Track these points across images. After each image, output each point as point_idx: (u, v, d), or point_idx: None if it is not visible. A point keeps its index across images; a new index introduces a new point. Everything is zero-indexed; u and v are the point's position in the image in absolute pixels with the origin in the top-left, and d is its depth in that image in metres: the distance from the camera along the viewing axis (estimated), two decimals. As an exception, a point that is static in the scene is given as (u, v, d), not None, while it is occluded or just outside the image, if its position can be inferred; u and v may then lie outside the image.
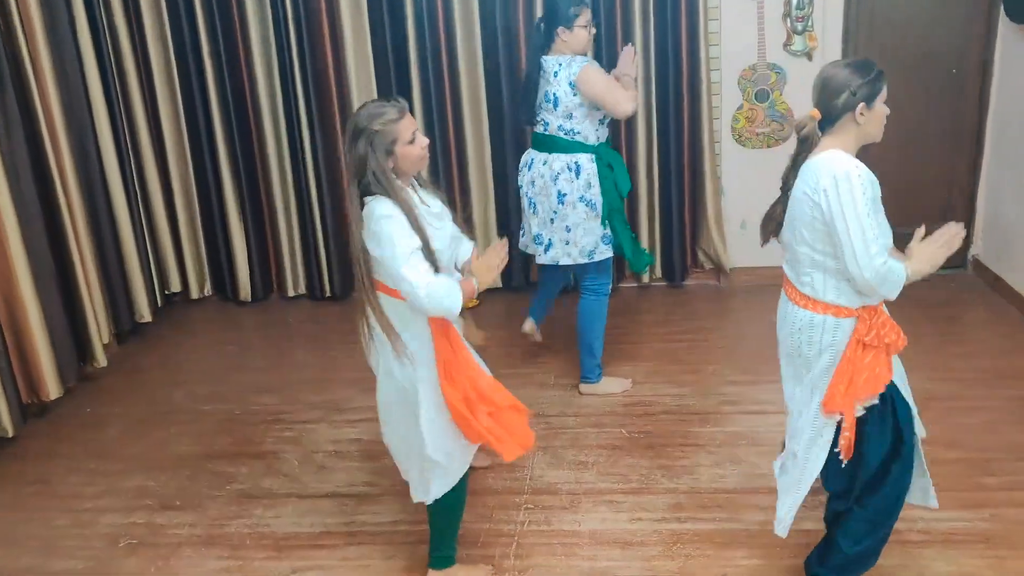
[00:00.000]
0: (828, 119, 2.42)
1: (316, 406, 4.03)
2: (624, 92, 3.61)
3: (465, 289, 2.55)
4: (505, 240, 2.76)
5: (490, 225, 5.14)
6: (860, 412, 2.44)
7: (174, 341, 4.90)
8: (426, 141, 2.59)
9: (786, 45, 4.75)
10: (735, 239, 5.09)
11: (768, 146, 4.92)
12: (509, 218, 5.06)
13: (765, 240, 2.70)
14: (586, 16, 3.63)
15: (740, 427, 3.60)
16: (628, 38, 4.67)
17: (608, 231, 3.77)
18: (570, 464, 3.43)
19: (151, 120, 5.05)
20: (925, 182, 4.95)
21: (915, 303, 4.66)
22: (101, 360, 4.42)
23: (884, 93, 2.39)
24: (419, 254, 2.46)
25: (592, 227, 3.73)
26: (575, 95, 3.60)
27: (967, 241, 5.04)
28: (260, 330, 5.09)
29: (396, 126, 2.49)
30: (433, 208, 2.63)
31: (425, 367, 2.61)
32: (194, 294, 5.37)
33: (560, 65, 3.63)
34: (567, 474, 3.36)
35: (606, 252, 3.80)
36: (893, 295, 2.34)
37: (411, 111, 4.73)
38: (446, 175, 5.02)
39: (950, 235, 2.37)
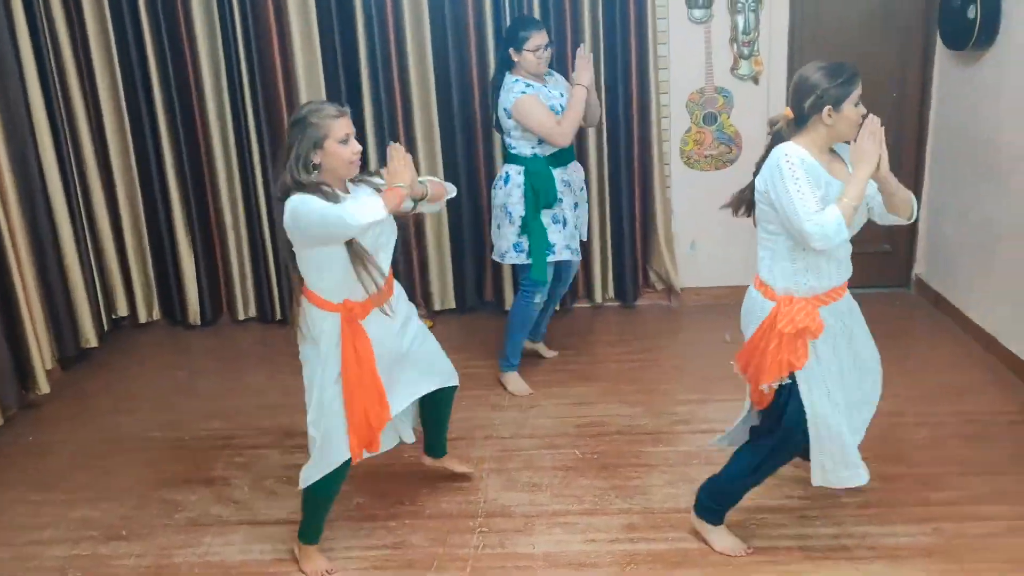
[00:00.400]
0: (799, 119, 2.59)
1: (267, 431, 3.98)
2: (557, 128, 3.83)
3: (390, 197, 2.64)
4: (397, 144, 2.81)
5: (443, 232, 5.13)
6: (767, 389, 2.70)
7: (121, 366, 4.81)
8: (358, 148, 2.70)
9: (733, 69, 4.85)
10: (685, 259, 5.16)
11: (716, 168, 5.00)
12: (461, 221, 5.06)
13: (734, 213, 2.89)
14: (535, 40, 3.79)
15: (692, 446, 3.64)
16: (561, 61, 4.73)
17: (523, 240, 3.99)
18: (524, 486, 3.43)
19: (96, 137, 4.94)
20: (868, 203, 5.07)
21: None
22: (44, 387, 4.30)
23: (854, 96, 2.53)
24: (339, 205, 2.59)
25: (506, 233, 4.02)
26: (509, 119, 3.88)
27: (910, 261, 5.17)
28: (210, 354, 5.01)
29: (331, 122, 2.64)
30: (359, 195, 2.73)
31: (332, 360, 2.79)
32: (142, 318, 5.28)
33: (504, 88, 3.86)
34: (521, 496, 3.36)
35: (516, 259, 4.03)
36: (845, 235, 2.48)
37: (362, 123, 4.79)
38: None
39: (869, 127, 2.53)
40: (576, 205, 4.14)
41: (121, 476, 3.67)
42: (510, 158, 3.99)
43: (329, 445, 2.83)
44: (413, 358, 3.03)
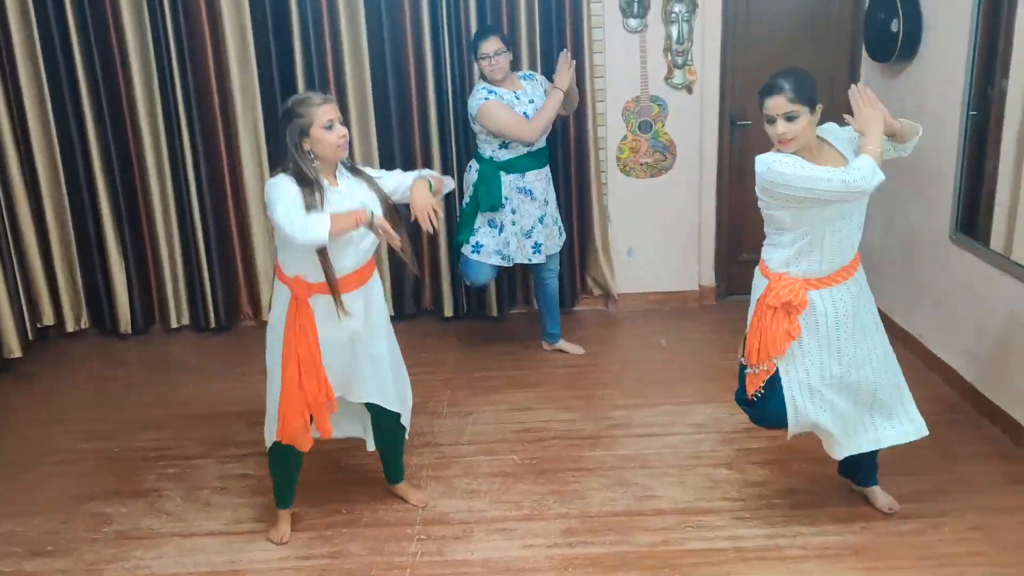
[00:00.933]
0: None
1: (202, 441, 3.90)
2: (526, 125, 4.03)
3: (343, 220, 2.70)
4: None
5: (382, 243, 5.08)
6: (761, 367, 2.83)
7: (48, 377, 4.67)
8: (344, 132, 2.81)
9: (667, 78, 4.93)
10: (622, 266, 5.22)
11: (652, 176, 5.07)
12: (398, 212, 5.00)
13: None
14: (485, 48, 4.01)
15: (629, 450, 3.68)
16: (515, 70, 4.76)
17: (471, 233, 4.24)
18: (463, 493, 3.43)
19: (19, 140, 4.79)
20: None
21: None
22: (-35, 399, 4.17)
23: (763, 115, 2.70)
24: (299, 211, 2.68)
25: (461, 224, 4.32)
26: (475, 123, 4.14)
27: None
28: (142, 364, 4.90)
29: (314, 109, 2.76)
30: (343, 190, 2.86)
31: (280, 339, 2.91)
32: (69, 327, 5.13)
33: (472, 94, 4.16)
34: (460, 503, 3.36)
35: (466, 251, 4.27)
36: (881, 176, 2.59)
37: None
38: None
39: (861, 98, 2.71)
40: (543, 218, 4.28)
41: (47, 490, 3.56)
42: (476, 155, 4.29)
43: (270, 423, 3.01)
44: (369, 367, 3.04)
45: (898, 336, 4.63)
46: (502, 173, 4.16)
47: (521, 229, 4.24)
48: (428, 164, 4.93)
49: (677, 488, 3.38)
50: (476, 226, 4.24)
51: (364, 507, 3.35)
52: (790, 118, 2.63)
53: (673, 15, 4.82)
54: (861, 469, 3.16)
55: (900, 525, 3.10)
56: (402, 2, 4.72)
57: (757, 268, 2.94)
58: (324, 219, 2.66)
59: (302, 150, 2.78)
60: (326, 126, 2.77)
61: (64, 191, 4.93)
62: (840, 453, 2.98)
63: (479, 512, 3.30)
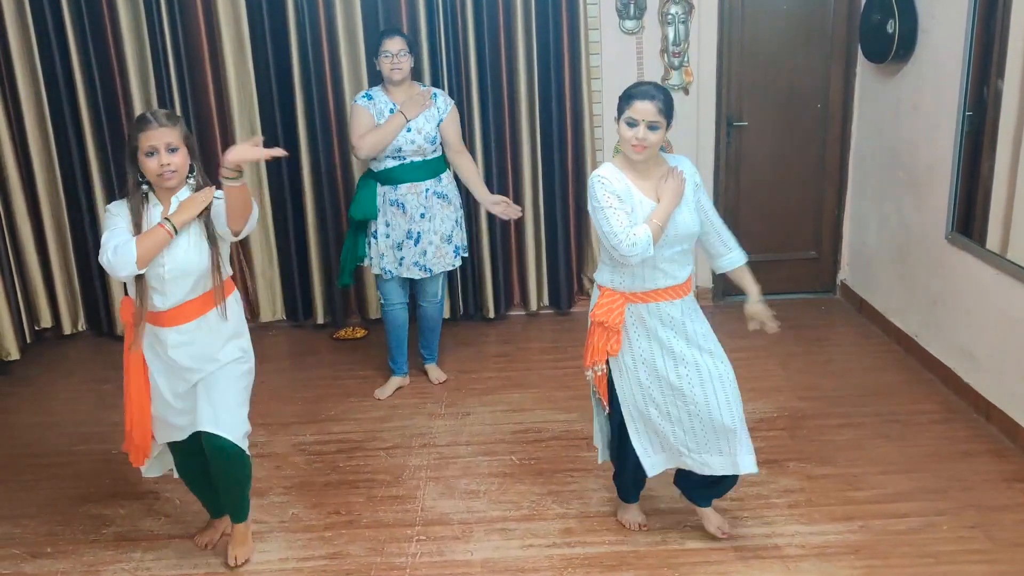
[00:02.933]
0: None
1: (199, 443, 3.90)
2: (356, 140, 3.92)
3: (149, 238, 2.61)
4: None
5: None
6: (591, 374, 2.92)
7: (45, 380, 4.66)
8: (169, 160, 2.63)
9: (664, 80, 4.94)
10: (619, 266, 5.22)
11: (649, 176, 5.08)
12: None
13: None
14: (389, 45, 3.91)
15: (627, 450, 3.68)
16: (512, 73, 4.78)
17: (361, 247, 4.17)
18: (461, 493, 3.43)
19: (17, 143, 4.80)
20: (795, 212, 5.22)
21: (787, 326, 4.90)
22: (-38, 401, 4.16)
23: (624, 115, 2.70)
24: (114, 240, 2.61)
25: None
26: None
27: (835, 267, 5.33)
28: (138, 365, 4.88)
29: (139, 135, 2.62)
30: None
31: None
32: (67, 329, 5.13)
33: None
34: (459, 504, 3.36)
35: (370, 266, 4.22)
36: (647, 254, 2.66)
37: (295, 132, 4.74)
38: (331, 191, 4.98)
39: (670, 177, 2.73)
40: (412, 233, 4.06)
41: (45, 491, 3.56)
42: None
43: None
44: (199, 396, 2.84)
45: (893, 335, 4.66)
46: (377, 184, 4.04)
47: (393, 242, 4.08)
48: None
49: (675, 487, 3.38)
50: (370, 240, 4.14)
51: (363, 508, 3.35)
52: (653, 127, 2.66)
53: (669, 16, 4.83)
54: (692, 487, 3.05)
55: (898, 524, 3.12)
56: (399, 9, 4.73)
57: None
58: (131, 247, 2.59)
59: (135, 174, 2.68)
60: (147, 152, 2.61)
61: (61, 194, 4.93)
62: (651, 469, 2.96)
63: (478, 512, 3.30)
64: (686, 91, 4.96)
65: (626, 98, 2.69)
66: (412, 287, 4.27)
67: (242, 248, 5.10)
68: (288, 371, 4.71)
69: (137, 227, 2.66)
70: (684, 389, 2.81)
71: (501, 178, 4.96)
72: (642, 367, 2.85)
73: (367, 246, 4.15)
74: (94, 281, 5.07)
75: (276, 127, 4.87)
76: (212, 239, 2.73)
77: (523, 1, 4.71)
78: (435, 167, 4.06)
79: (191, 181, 2.75)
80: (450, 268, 4.23)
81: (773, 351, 4.49)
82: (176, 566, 3.06)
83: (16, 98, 4.73)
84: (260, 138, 2.73)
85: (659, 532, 3.13)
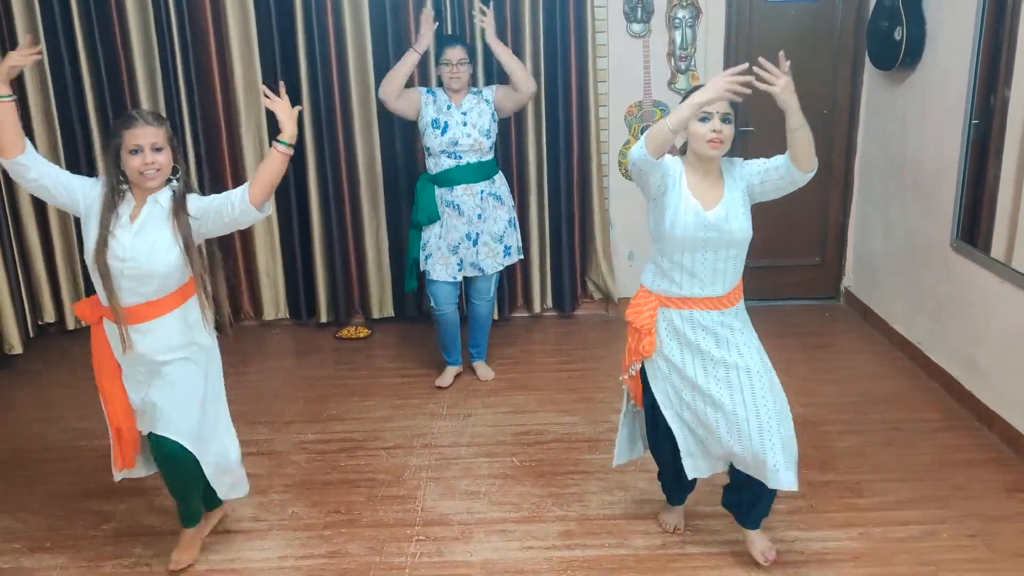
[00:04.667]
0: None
1: (200, 440, 3.90)
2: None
3: None
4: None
5: (382, 240, 5.12)
6: (628, 373, 2.91)
7: (48, 375, 4.67)
8: (153, 159, 2.63)
9: (670, 83, 4.94)
10: (623, 270, 5.23)
11: (654, 180, 5.07)
12: (400, 230, 5.05)
13: None
14: (449, 55, 4.03)
15: (628, 454, 3.68)
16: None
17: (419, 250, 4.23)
18: (462, 494, 3.43)
19: (23, 124, 4.81)
20: (801, 218, 5.21)
21: (792, 333, 4.90)
22: (-35, 395, 4.17)
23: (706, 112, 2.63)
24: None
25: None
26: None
27: (839, 273, 5.32)
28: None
29: (124, 132, 2.63)
30: (135, 226, 2.67)
31: None
32: (70, 324, 5.14)
33: None
34: (459, 504, 3.36)
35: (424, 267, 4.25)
36: (641, 152, 2.58)
37: (301, 131, 4.75)
38: (336, 191, 4.98)
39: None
40: (471, 235, 4.15)
41: (46, 486, 3.56)
42: None
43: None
44: (152, 396, 2.82)
45: (897, 343, 4.65)
46: (434, 186, 4.11)
47: (448, 244, 4.15)
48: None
49: (724, 508, 3.35)
50: (423, 242, 4.19)
51: (363, 508, 3.35)
52: (726, 119, 2.61)
53: (677, 21, 4.84)
54: (741, 506, 2.96)
55: (898, 531, 3.11)
56: (407, 8, 4.73)
57: None
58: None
59: (115, 171, 2.67)
60: (132, 150, 2.62)
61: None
62: (691, 471, 2.93)
63: (478, 514, 3.30)
64: (692, 95, 4.95)
65: (695, 93, 2.56)
66: (464, 286, 4.33)
67: (246, 245, 5.11)
68: (291, 369, 4.72)
69: (102, 222, 2.64)
70: (713, 395, 2.76)
71: (506, 178, 4.94)
72: (674, 372, 2.81)
73: (420, 249, 4.20)
74: (98, 277, 5.08)
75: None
76: (186, 242, 2.70)
77: (531, 3, 4.71)
78: (489, 169, 4.16)
79: (174, 183, 2.73)
80: (500, 268, 4.30)
81: (776, 357, 4.39)
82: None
83: (23, 92, 4.73)
84: (298, 108, 2.80)
85: (659, 536, 3.13)
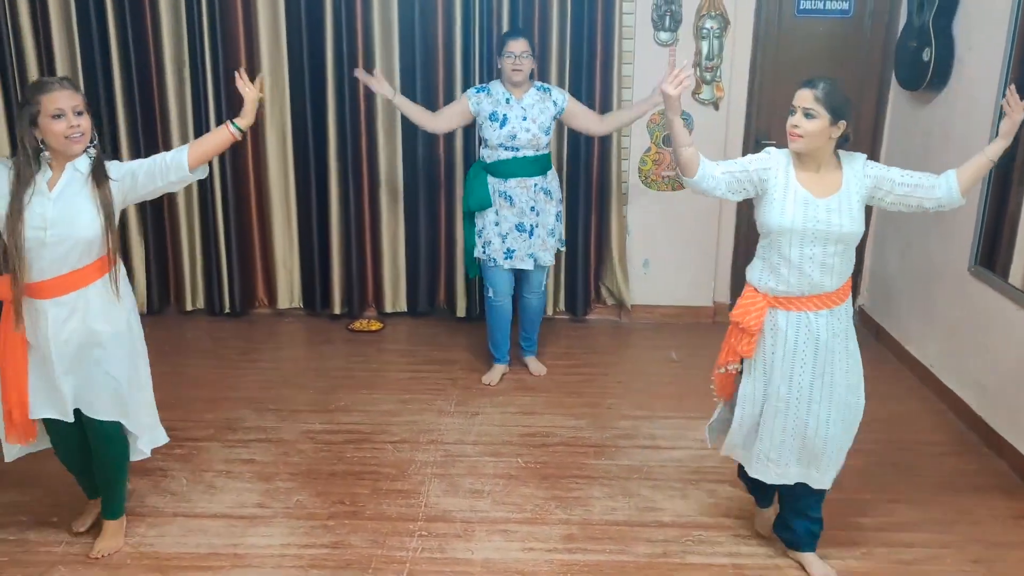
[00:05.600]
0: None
1: (209, 424, 3.93)
2: (429, 117, 4.16)
3: None
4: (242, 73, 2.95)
5: (398, 234, 5.14)
6: (726, 369, 2.90)
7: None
8: (78, 122, 2.60)
9: (695, 93, 4.94)
10: (637, 277, 5.23)
11: (673, 189, 5.08)
12: (418, 225, 5.07)
13: None
14: (513, 46, 4.03)
15: (634, 461, 3.68)
16: (544, 76, 4.78)
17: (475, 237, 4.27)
18: (466, 492, 3.44)
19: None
20: (817, 233, 5.19)
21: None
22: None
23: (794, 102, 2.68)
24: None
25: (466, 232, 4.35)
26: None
27: (854, 293, 5.29)
28: (154, 345, 4.83)
29: (41, 97, 2.56)
30: (54, 194, 2.64)
31: None
32: None
33: None
34: (462, 502, 3.37)
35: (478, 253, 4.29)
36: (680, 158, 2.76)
37: (324, 122, 4.77)
38: (356, 184, 5.00)
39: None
40: (521, 226, 4.17)
41: (52, 462, 3.55)
42: None
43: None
44: (81, 374, 2.80)
45: (908, 364, 4.62)
46: (488, 176, 4.15)
47: (500, 231, 4.20)
48: (451, 158, 4.96)
49: (679, 501, 3.38)
50: (478, 229, 4.24)
51: (367, 500, 3.36)
52: (808, 115, 2.61)
53: (704, 31, 4.83)
54: (794, 530, 2.98)
55: (902, 553, 3.09)
56: (435, 11, 4.77)
57: None
58: (182, 151, 2.72)
59: (33, 139, 2.60)
60: (54, 114, 2.56)
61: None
62: (725, 448, 2.98)
63: (481, 512, 3.30)
64: (716, 106, 4.95)
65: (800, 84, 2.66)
66: (516, 279, 4.37)
67: (264, 235, 5.14)
68: (302, 359, 4.74)
69: (14, 195, 2.59)
70: (791, 403, 2.77)
71: (525, 181, 4.96)
72: (759, 367, 2.80)
73: (476, 236, 4.24)
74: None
75: (306, 119, 4.91)
76: (107, 209, 2.68)
77: (559, 6, 4.72)
78: (544, 163, 4.19)
79: (91, 150, 2.70)
80: (552, 262, 4.36)
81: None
82: (179, 544, 3.08)
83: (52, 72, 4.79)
84: (261, 96, 2.93)
85: (660, 544, 3.12)
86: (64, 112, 2.58)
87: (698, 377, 4.54)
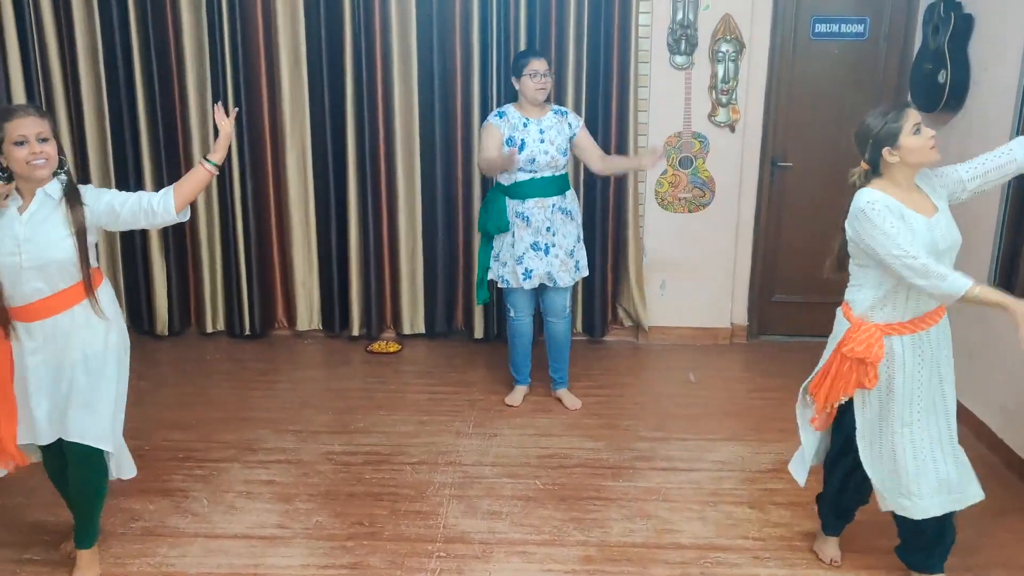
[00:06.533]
0: (873, 167, 2.74)
1: (229, 445, 3.96)
2: (482, 155, 4.10)
3: None
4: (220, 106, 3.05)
5: (416, 255, 5.18)
6: (838, 402, 2.82)
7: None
8: (40, 149, 2.61)
9: (711, 116, 4.97)
10: (654, 298, 5.24)
11: (690, 211, 5.10)
12: (436, 246, 5.12)
13: (826, 274, 2.98)
14: (535, 65, 4.02)
15: (651, 483, 3.68)
16: (560, 99, 4.82)
17: (496, 261, 4.27)
18: (484, 514, 3.45)
19: (75, 143, 4.97)
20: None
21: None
22: None
23: (908, 126, 2.63)
24: None
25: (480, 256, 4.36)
26: None
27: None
28: (175, 366, 4.98)
29: (4, 124, 2.59)
30: (26, 217, 2.65)
31: None
32: None
33: None
34: (481, 523, 3.38)
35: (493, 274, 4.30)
36: (943, 291, 2.52)
37: (343, 141, 4.83)
38: (375, 206, 5.05)
39: None
40: (537, 245, 4.15)
41: (78, 482, 3.63)
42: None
43: None
44: (57, 397, 2.80)
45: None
46: (506, 198, 4.14)
47: (514, 255, 4.18)
48: (468, 178, 5.00)
49: (697, 523, 3.37)
50: (495, 252, 4.24)
51: (386, 521, 3.38)
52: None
53: (720, 54, 4.87)
54: (925, 550, 2.92)
55: None
56: (453, 34, 4.82)
57: (840, 309, 2.89)
58: (168, 194, 2.76)
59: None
60: (17, 141, 2.58)
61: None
62: (884, 505, 2.89)
63: (500, 534, 3.31)
64: (732, 128, 4.97)
65: (903, 108, 2.65)
66: (538, 304, 4.37)
67: (284, 257, 5.19)
68: (321, 380, 4.78)
69: None
70: (914, 426, 2.75)
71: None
72: (874, 396, 2.78)
73: (493, 259, 4.26)
74: (138, 279, 5.19)
75: (326, 142, 4.98)
76: (80, 231, 2.69)
77: (575, 28, 4.78)
78: (562, 184, 4.18)
79: (61, 175, 2.72)
80: (572, 283, 4.31)
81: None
82: (199, 564, 3.11)
83: (79, 103, 4.90)
84: (233, 112, 3.02)
85: (679, 566, 3.12)
86: (27, 139, 2.59)
87: (716, 398, 4.55)
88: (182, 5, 4.78)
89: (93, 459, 2.85)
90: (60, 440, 2.83)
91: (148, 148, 4.97)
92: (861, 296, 2.77)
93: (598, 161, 4.25)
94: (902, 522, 2.89)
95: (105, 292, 2.85)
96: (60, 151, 2.72)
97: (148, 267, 5.15)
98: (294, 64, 4.88)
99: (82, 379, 2.79)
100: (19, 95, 4.57)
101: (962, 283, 2.51)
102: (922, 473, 2.77)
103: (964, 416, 4.19)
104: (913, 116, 2.64)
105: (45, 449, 2.92)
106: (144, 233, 5.07)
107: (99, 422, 2.81)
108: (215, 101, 4.89)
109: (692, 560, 3.15)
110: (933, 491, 2.78)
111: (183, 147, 5.00)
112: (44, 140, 2.64)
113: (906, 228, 2.60)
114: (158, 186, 4.98)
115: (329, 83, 4.89)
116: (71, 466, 2.87)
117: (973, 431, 4.12)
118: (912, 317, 2.72)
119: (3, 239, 2.65)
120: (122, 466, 3.04)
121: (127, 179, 5.00)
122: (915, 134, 2.64)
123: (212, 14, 4.78)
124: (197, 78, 4.89)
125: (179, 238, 5.17)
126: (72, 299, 2.75)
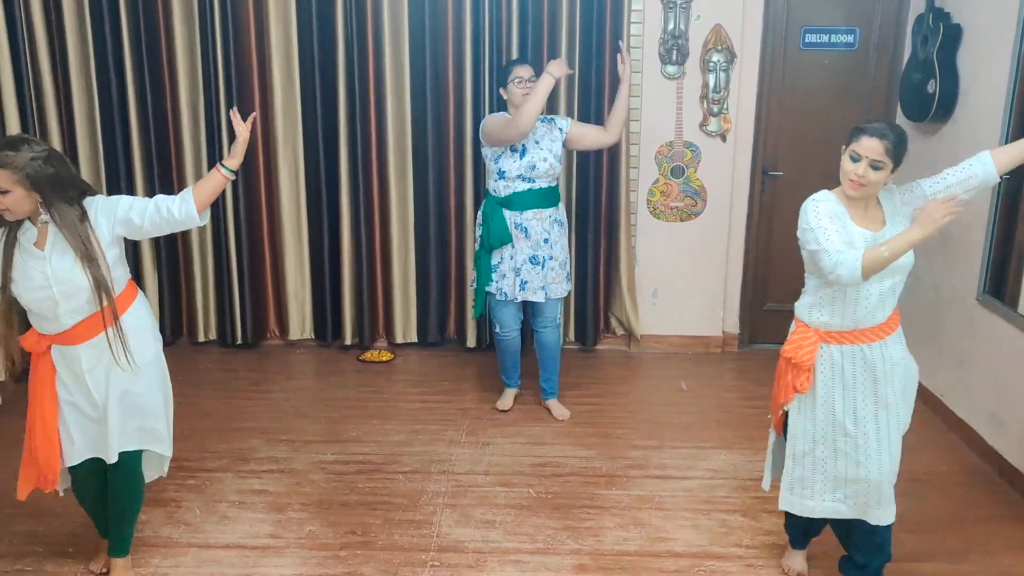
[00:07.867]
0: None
1: (222, 455, 3.95)
2: (513, 120, 3.94)
3: None
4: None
5: (409, 265, 5.19)
6: (783, 409, 2.87)
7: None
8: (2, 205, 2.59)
9: (702, 125, 4.99)
10: (646, 307, 5.25)
11: (681, 220, 5.12)
12: (428, 256, 5.13)
13: None
14: (520, 71, 4.03)
15: (644, 491, 3.69)
16: (552, 107, 4.84)
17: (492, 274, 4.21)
18: (478, 522, 3.44)
19: (66, 150, 4.93)
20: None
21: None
22: (-6, 398, 4.24)
23: (849, 148, 2.65)
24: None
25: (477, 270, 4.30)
26: (483, 148, 4.16)
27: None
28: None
29: None
30: (46, 253, 2.67)
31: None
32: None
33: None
34: (474, 532, 3.37)
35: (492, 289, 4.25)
36: (849, 272, 2.53)
37: (336, 155, 4.84)
38: (367, 216, 5.06)
39: (947, 204, 2.51)
40: (535, 259, 4.15)
41: (68, 494, 3.61)
42: (486, 193, 4.23)
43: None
44: (119, 409, 2.85)
45: (919, 393, 4.61)
46: (503, 210, 4.12)
47: (514, 265, 4.17)
48: (460, 188, 5.01)
49: (691, 532, 3.38)
50: (495, 263, 4.21)
51: (380, 530, 3.37)
52: (875, 166, 2.59)
53: (711, 64, 4.89)
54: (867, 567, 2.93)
55: (914, 584, 3.09)
56: (446, 44, 4.84)
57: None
58: (188, 196, 2.80)
59: None
60: None
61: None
62: (792, 507, 2.93)
63: (493, 542, 3.31)
64: (723, 138, 5.00)
65: (856, 132, 2.63)
66: (526, 313, 4.35)
67: (276, 266, 5.19)
68: (313, 390, 4.77)
69: (5, 255, 2.68)
70: (858, 439, 2.76)
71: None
72: (820, 406, 2.78)
73: (493, 271, 4.23)
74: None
75: (318, 152, 4.98)
76: (90, 258, 2.66)
77: (568, 38, 4.80)
78: (555, 195, 4.21)
79: (43, 216, 2.66)
80: (564, 294, 4.31)
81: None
82: (192, 574, 3.10)
83: (70, 108, 4.88)
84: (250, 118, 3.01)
85: (672, 574, 3.13)
86: None
87: (708, 407, 4.56)
88: (175, 16, 4.79)
89: (135, 466, 2.92)
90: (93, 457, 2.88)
91: (140, 158, 4.96)
92: (804, 300, 2.81)
93: (605, 133, 4.25)
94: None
95: (133, 315, 2.83)
96: (39, 188, 2.58)
97: (140, 276, 5.13)
98: (287, 74, 4.88)
99: (133, 386, 2.83)
100: (10, 105, 4.55)
101: (854, 255, 2.52)
102: (796, 463, 2.85)
103: (955, 424, 4.23)
104: (863, 144, 2.60)
105: (79, 472, 2.94)
106: (135, 242, 5.06)
107: (151, 427, 2.90)
108: (207, 111, 4.90)
109: (686, 568, 3.16)
110: (787, 486, 2.89)
111: (175, 157, 4.99)
112: (3, 192, 2.55)
113: (840, 231, 2.61)
114: (149, 196, 4.99)
115: (321, 92, 4.90)
116: (112, 474, 2.90)
117: (964, 438, 4.15)
118: (851, 328, 2.72)
119: (32, 275, 2.67)
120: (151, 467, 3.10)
121: (118, 190, 4.99)
122: (852, 160, 2.63)
123: (205, 25, 4.78)
124: (189, 88, 4.90)
125: (171, 247, 5.16)
126: (85, 334, 2.78)
